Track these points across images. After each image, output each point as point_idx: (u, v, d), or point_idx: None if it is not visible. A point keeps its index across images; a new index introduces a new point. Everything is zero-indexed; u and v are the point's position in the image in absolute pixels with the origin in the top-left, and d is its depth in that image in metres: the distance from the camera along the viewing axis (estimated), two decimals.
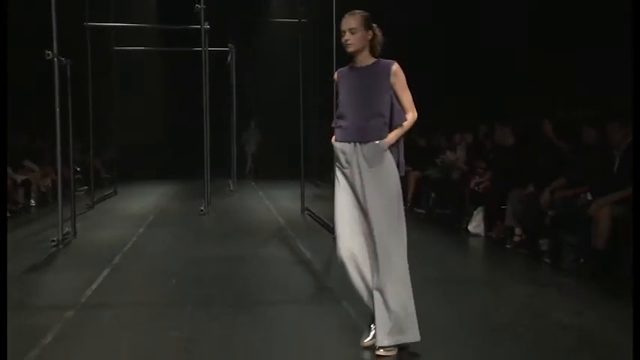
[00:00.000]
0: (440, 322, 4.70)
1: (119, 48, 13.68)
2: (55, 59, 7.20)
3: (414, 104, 3.96)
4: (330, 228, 8.05)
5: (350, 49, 3.92)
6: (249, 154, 18.33)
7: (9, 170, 10.53)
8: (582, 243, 6.15)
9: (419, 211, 10.14)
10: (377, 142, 3.85)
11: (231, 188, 14.13)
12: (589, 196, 6.29)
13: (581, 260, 6.13)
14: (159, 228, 9.05)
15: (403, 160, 4.00)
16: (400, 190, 3.93)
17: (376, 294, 3.88)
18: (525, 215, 7.16)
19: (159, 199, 12.70)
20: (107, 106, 13.50)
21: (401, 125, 3.91)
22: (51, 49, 7.18)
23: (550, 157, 7.32)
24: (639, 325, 3.47)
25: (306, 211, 10.08)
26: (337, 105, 4.06)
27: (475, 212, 8.33)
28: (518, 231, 7.35)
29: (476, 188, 8.44)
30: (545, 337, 4.36)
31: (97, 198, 11.51)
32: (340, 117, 3.98)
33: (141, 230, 8.64)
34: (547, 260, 6.61)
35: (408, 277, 3.90)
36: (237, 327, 4.53)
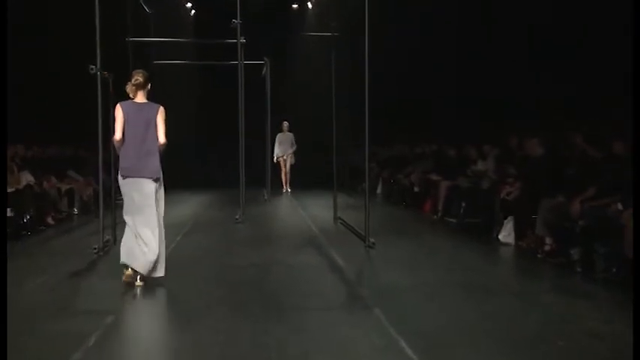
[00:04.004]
0: (470, 328, 4.65)
1: (158, 62, 13.84)
2: (98, 73, 7.29)
3: None
4: (361, 236, 8.03)
5: None
6: (282, 160, 16.35)
7: (54, 180, 10.73)
8: (613, 252, 6.03)
9: (450, 220, 10.03)
10: None
11: (266, 197, 14.18)
12: (620, 206, 6.18)
13: (613, 270, 6.01)
14: (196, 235, 9.10)
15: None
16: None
17: None
18: (556, 225, 7.05)
19: (196, 208, 12.79)
20: None
21: None
22: (94, 63, 7.27)
23: (579, 167, 7.21)
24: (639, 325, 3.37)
25: (338, 220, 10.07)
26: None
27: (505, 221, 8.22)
28: (548, 240, 7.24)
29: (506, 197, 8.34)
30: (576, 345, 4.28)
31: None
32: None
33: (178, 238, 8.69)
34: (578, 269, 6.49)
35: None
36: (271, 331, 4.53)
